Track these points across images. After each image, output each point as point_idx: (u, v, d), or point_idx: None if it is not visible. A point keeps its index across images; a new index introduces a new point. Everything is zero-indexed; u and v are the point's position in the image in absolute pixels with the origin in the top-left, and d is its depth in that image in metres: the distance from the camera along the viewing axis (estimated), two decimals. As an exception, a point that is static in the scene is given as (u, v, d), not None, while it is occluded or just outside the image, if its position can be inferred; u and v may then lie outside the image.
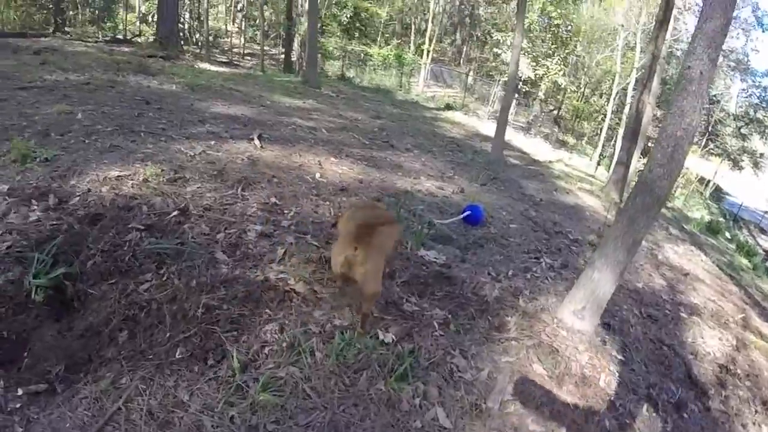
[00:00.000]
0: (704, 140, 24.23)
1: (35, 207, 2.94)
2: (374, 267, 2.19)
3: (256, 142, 4.89)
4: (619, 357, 2.73)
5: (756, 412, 3.02)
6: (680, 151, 2.51)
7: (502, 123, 8.42)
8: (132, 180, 3.46)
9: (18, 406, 1.88)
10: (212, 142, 4.65)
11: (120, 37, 15.80)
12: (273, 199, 3.52)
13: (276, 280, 2.56)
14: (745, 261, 12.70)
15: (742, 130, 24.48)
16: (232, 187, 3.62)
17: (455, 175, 6.25)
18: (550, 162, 13.34)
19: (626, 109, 19.39)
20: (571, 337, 2.68)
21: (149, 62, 10.03)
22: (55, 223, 2.87)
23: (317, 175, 4.30)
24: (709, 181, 26.02)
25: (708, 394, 2.82)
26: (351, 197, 4.08)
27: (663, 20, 10.25)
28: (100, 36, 15.02)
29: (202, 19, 18.74)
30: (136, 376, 1.98)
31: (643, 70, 18.64)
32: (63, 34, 14.10)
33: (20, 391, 1.95)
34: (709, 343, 3.67)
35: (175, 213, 3.12)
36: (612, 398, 2.39)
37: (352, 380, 2.09)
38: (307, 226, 3.27)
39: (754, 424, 2.91)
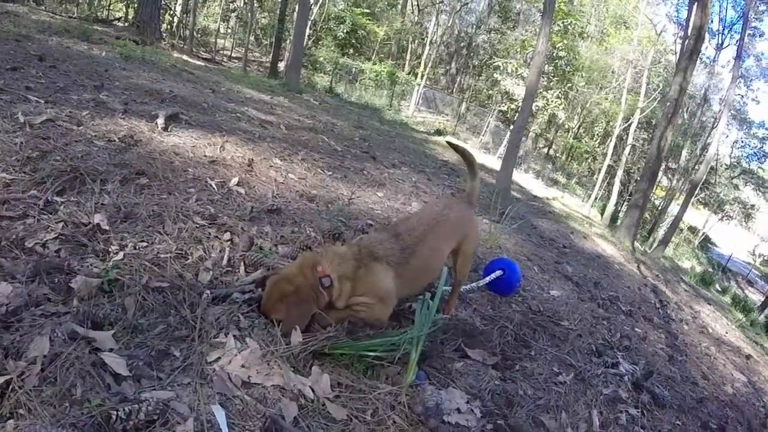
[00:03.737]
0: (697, 189, 23.40)
1: None
2: None
3: (160, 121, 3.08)
4: None
5: None
6: None
7: (513, 146, 6.83)
8: None
9: None
10: (84, 113, 2.85)
11: (98, 16, 13.88)
12: (100, 219, 1.67)
13: None
14: (740, 315, 11.57)
15: (734, 181, 23.62)
16: (41, 182, 1.81)
17: (457, 203, 4.53)
18: (548, 199, 12.04)
19: (626, 150, 18.30)
20: None
21: (114, 42, 8.22)
22: None
23: (233, 182, 2.47)
24: (698, 230, 25.12)
25: None
26: (285, 227, 2.28)
27: (693, 50, 9.10)
28: (75, 12, 13.10)
29: (190, 12, 16.86)
30: None
31: (649, 110, 17.69)
32: (37, 5, 12.12)
33: None
34: None
35: None
36: None
37: None
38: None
39: None
